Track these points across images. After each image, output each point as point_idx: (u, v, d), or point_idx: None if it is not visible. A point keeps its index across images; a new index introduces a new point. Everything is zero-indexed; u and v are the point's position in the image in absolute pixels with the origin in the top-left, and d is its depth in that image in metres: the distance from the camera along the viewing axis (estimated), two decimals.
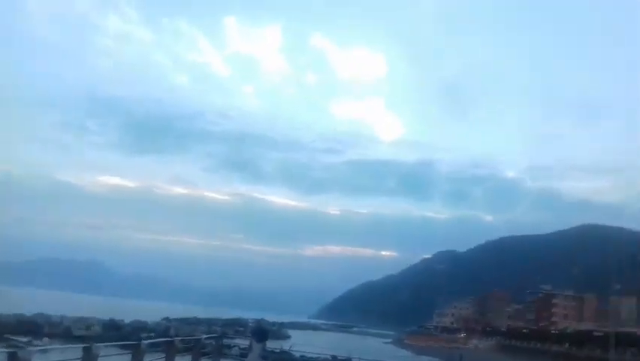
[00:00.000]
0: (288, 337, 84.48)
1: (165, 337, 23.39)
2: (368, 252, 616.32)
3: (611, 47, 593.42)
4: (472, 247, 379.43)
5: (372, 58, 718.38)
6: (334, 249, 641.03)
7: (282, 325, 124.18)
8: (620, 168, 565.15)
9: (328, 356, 36.97)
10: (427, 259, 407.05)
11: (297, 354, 34.41)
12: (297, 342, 48.07)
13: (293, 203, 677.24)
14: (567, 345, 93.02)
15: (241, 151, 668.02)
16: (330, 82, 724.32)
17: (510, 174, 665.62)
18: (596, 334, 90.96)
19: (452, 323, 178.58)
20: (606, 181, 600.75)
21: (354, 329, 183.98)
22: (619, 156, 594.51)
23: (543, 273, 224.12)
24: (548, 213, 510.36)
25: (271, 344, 26.80)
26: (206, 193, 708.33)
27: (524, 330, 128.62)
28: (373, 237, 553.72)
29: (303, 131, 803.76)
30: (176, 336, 24.01)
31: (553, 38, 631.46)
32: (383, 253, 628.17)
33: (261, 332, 18.66)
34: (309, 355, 34.63)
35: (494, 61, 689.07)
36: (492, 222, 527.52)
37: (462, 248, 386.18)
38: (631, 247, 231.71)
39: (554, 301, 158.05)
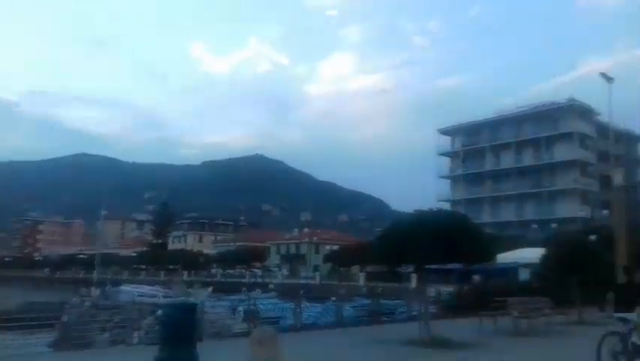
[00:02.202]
0: None
1: None
2: None
3: None
4: None
5: None
6: None
7: None
8: (115, 102, 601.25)
9: None
10: None
11: None
12: None
13: None
14: (49, 270, 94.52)
15: None
16: None
17: (6, 96, 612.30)
18: (81, 256, 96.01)
19: None
20: (102, 113, 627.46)
21: None
22: (116, 91, 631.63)
23: (33, 200, 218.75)
24: (45, 141, 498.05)
25: None
26: None
27: (7, 258, 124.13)
28: None
29: None
30: None
31: None
32: None
33: None
34: None
35: None
36: None
37: None
38: (118, 176, 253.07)
39: (41, 227, 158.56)
